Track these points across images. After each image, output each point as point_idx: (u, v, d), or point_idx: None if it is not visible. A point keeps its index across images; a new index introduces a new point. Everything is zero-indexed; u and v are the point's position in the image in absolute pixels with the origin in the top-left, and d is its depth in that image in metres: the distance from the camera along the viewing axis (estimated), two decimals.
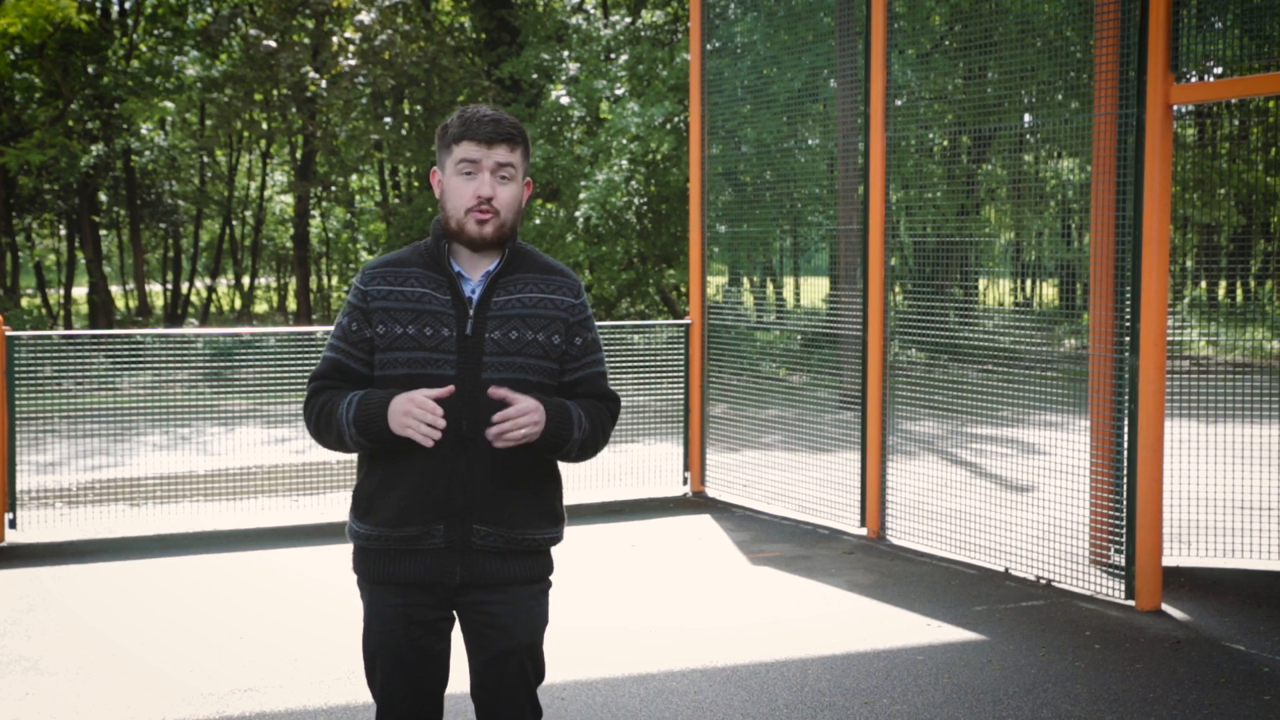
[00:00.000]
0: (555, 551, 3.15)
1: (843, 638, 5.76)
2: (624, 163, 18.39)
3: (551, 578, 3.12)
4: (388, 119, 22.87)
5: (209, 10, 22.85)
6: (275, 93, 22.20)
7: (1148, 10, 6.00)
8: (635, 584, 6.71)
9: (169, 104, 21.87)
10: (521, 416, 2.83)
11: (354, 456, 3.16)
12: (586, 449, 3.02)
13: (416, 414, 2.79)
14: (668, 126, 19.10)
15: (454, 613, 3.06)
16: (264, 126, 23.49)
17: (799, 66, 8.65)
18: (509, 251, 3.01)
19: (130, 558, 7.29)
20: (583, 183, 18.48)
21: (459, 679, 3.27)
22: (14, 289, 25.70)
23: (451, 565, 2.97)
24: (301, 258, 25.17)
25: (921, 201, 8.71)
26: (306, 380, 3.10)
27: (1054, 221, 9.41)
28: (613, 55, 20.25)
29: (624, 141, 18.43)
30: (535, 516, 3.02)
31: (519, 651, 3.00)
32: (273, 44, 19.92)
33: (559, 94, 19.57)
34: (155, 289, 31.69)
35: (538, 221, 19.60)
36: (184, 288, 28.27)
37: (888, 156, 7.49)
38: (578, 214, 18.42)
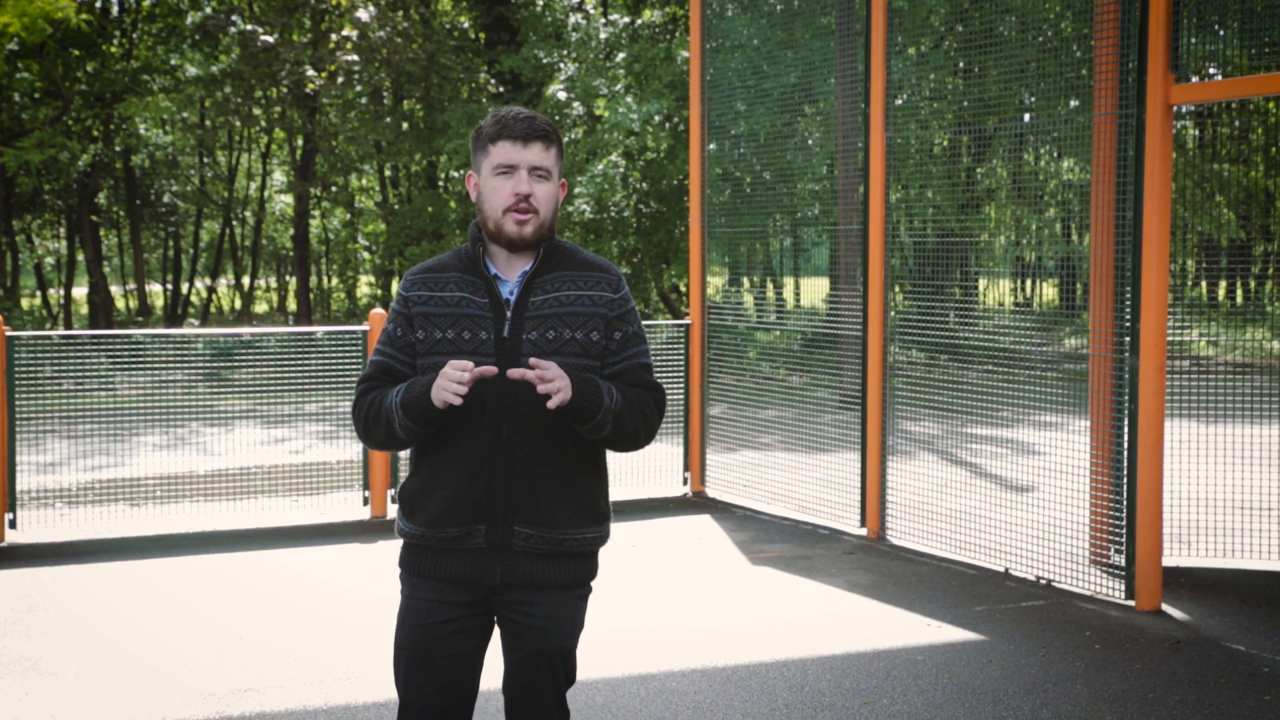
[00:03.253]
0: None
1: (843, 638, 5.76)
2: (619, 159, 18.42)
3: (593, 583, 3.13)
4: (387, 119, 22.86)
5: (207, 10, 22.85)
6: (274, 91, 22.21)
7: (1148, 10, 6.00)
8: (635, 584, 6.71)
9: (167, 103, 21.87)
10: (552, 370, 2.83)
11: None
12: (625, 427, 2.97)
13: (451, 386, 2.81)
14: (665, 125, 19.11)
15: (492, 615, 3.08)
16: (262, 122, 23.49)
17: (799, 66, 8.65)
18: (544, 250, 3.02)
19: (130, 558, 7.29)
20: (579, 177, 18.49)
21: (490, 677, 3.28)
22: (14, 289, 25.71)
23: (492, 565, 2.99)
24: (301, 258, 25.17)
25: (922, 201, 8.71)
26: (354, 384, 3.13)
27: (1054, 223, 9.41)
28: (611, 55, 20.25)
29: (619, 137, 18.44)
30: (577, 516, 3.02)
31: (551, 654, 3.02)
32: (270, 40, 19.90)
33: (557, 89, 19.58)
34: (155, 289, 31.72)
35: None
36: (184, 288, 28.28)
37: (888, 156, 7.49)
38: (570, 208, 18.42)
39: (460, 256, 3.07)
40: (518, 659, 3.04)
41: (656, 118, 18.78)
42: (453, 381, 2.81)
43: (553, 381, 2.82)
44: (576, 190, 18.40)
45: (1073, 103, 7.54)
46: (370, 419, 3.01)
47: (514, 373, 2.84)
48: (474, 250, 3.04)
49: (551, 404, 2.82)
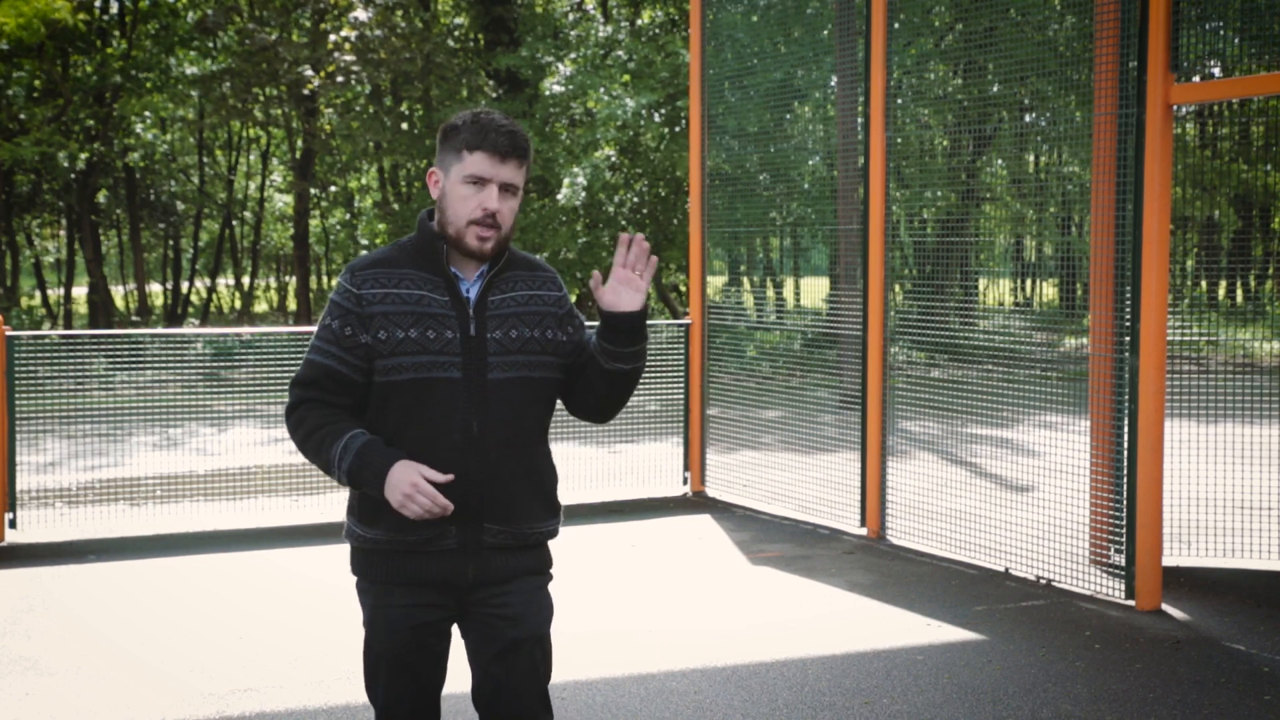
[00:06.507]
0: (553, 549, 3.17)
1: (843, 638, 5.76)
2: (612, 153, 18.44)
3: (552, 570, 3.14)
4: (385, 119, 22.86)
5: (208, 11, 22.86)
6: (272, 90, 22.20)
7: (1148, 10, 6.00)
8: (635, 584, 6.71)
9: (164, 101, 21.87)
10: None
11: None
12: (639, 370, 3.07)
13: (420, 501, 2.81)
14: (658, 118, 19.11)
15: (456, 612, 3.05)
16: (260, 118, 23.48)
17: (798, 65, 8.65)
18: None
19: (130, 558, 7.29)
20: (575, 169, 18.51)
21: (455, 679, 3.27)
22: (14, 289, 25.71)
23: (464, 565, 2.98)
24: (301, 258, 25.18)
25: (922, 201, 8.71)
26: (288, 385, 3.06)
27: (1054, 225, 9.41)
28: (609, 54, 20.26)
29: (612, 131, 18.46)
30: (537, 509, 3.05)
31: (529, 642, 3.00)
32: (268, 37, 19.89)
33: (553, 82, 19.57)
34: (155, 289, 31.74)
35: (533, 215, 19.61)
36: (184, 288, 28.28)
37: (888, 156, 7.49)
38: (559, 196, 18.43)
39: (409, 251, 3.02)
40: (493, 655, 2.98)
41: (657, 116, 18.77)
42: (426, 501, 2.80)
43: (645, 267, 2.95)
44: (569, 180, 18.40)
45: (1072, 102, 7.54)
46: (309, 451, 2.97)
47: (626, 237, 2.95)
48: (432, 246, 3.00)
49: (644, 281, 2.94)
